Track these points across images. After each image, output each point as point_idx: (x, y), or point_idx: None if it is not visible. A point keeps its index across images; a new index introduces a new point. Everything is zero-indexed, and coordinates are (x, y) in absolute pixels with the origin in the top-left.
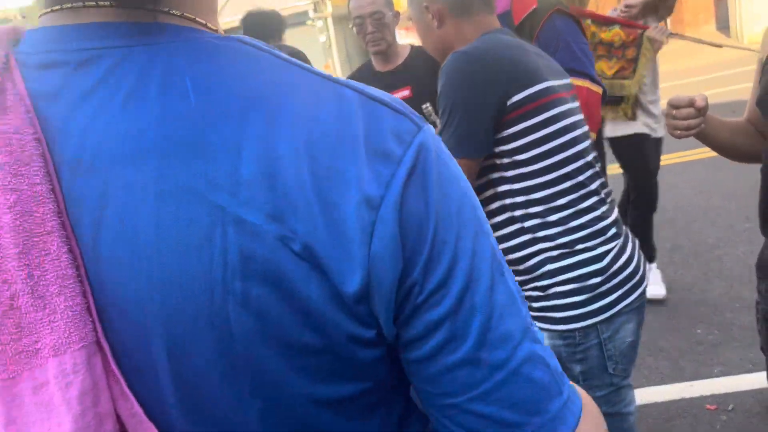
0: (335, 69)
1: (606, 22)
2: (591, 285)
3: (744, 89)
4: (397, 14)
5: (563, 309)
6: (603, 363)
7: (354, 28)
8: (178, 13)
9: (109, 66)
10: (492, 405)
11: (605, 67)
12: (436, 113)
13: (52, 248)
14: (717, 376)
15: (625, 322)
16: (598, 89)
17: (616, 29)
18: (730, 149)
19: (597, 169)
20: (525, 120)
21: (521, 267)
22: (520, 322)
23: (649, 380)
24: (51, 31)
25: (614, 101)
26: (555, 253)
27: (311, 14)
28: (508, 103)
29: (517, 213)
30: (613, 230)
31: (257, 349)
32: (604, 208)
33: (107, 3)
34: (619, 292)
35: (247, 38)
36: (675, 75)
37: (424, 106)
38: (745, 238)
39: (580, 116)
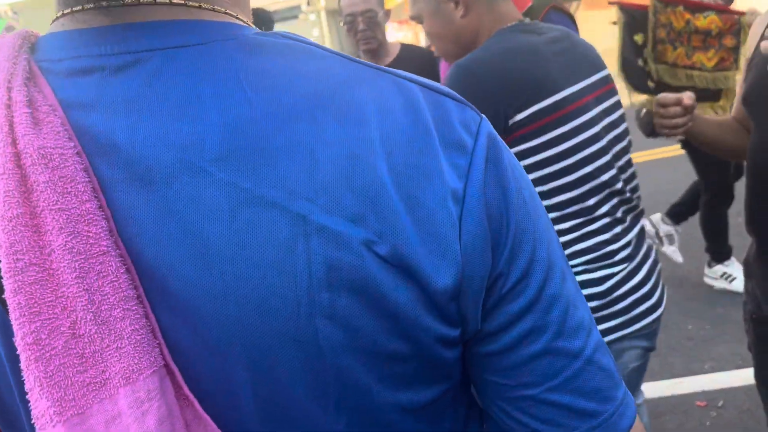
0: None
1: (700, 7)
2: (590, 309)
3: None
4: (387, 12)
5: None
6: None
7: (344, 26)
8: (219, 8)
9: (152, 70)
10: (570, 394)
11: (704, 59)
12: None
13: (110, 269)
14: (707, 372)
15: (629, 348)
16: None
17: (712, 16)
18: (718, 146)
19: (618, 186)
20: (526, 141)
21: None
22: (587, 309)
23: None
24: (76, 34)
25: (711, 96)
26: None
27: (304, 8)
28: (510, 122)
29: None
30: (624, 253)
31: (345, 360)
32: (616, 230)
33: (136, 0)
34: (624, 318)
35: (289, 33)
36: None
37: None
38: (736, 232)
39: (604, 122)
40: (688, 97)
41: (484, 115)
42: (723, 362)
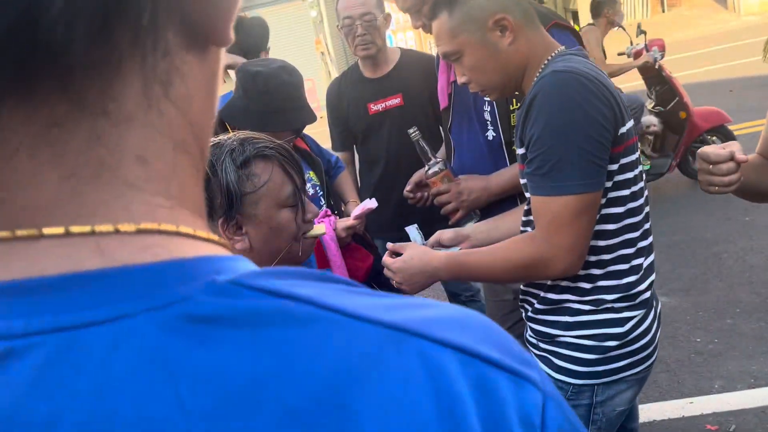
0: (327, 45)
1: None
2: (606, 347)
3: (741, 65)
4: (388, 16)
5: (568, 360)
6: (584, 426)
7: (341, 30)
8: (150, 227)
9: (31, 376)
10: None
11: None
12: (425, 138)
13: None
14: (718, 392)
15: (623, 390)
16: None
17: None
18: (759, 191)
19: (648, 225)
20: (623, 157)
21: (545, 296)
22: None
23: (648, 396)
24: None
25: None
26: (578, 306)
27: None
28: (619, 132)
29: None
30: (643, 297)
31: None
32: (640, 274)
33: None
34: (629, 360)
35: (247, 277)
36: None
37: (410, 131)
38: (744, 233)
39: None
40: (738, 149)
41: (547, 386)
42: (733, 381)
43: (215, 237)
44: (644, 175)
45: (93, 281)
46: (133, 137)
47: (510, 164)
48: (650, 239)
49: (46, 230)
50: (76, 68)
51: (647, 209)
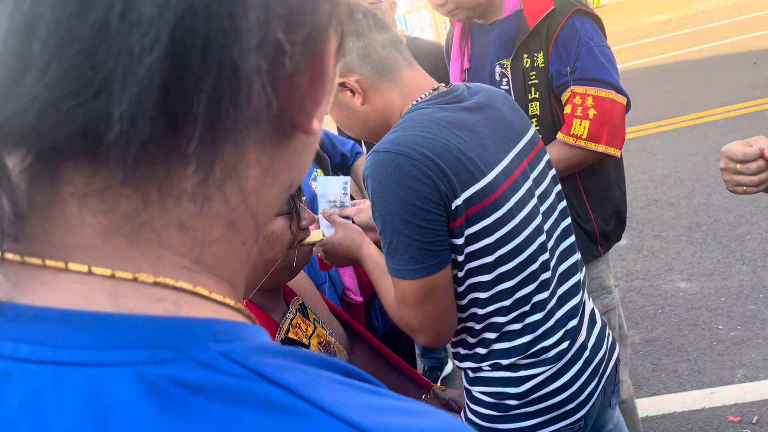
0: None
1: None
2: (506, 405)
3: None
4: (393, 4)
5: (473, 413)
6: None
7: None
8: (169, 282)
9: (24, 396)
10: None
11: None
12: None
13: None
14: (740, 382)
15: None
16: (623, 100)
17: None
18: None
19: (549, 273)
20: (469, 227)
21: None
22: None
23: (667, 387)
24: None
25: None
26: (480, 364)
27: None
28: (453, 206)
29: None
30: (553, 352)
31: None
32: (548, 325)
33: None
34: (542, 419)
35: (242, 353)
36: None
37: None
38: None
39: (536, 196)
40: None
41: None
42: (756, 369)
43: (231, 302)
44: (536, 220)
45: (97, 324)
46: (181, 208)
47: None
48: (564, 285)
49: (72, 266)
50: (138, 158)
51: (543, 257)
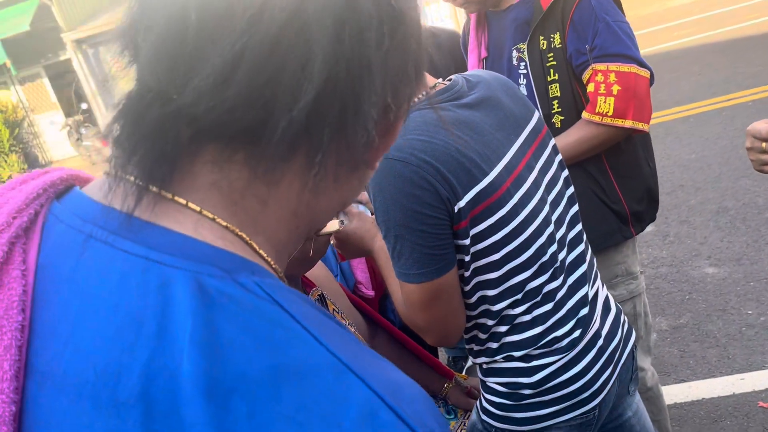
0: None
1: None
2: (520, 395)
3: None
4: None
5: (488, 402)
6: None
7: None
8: (234, 231)
9: (121, 273)
10: None
11: None
12: None
13: None
14: None
15: None
16: (646, 73)
17: None
18: None
19: (558, 263)
20: (473, 227)
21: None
22: None
23: (696, 373)
24: (88, 202)
25: None
26: (493, 357)
27: None
28: (456, 209)
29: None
30: (565, 342)
31: None
32: (559, 315)
33: (156, 190)
34: (556, 408)
35: (270, 286)
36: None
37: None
38: None
39: (542, 187)
40: None
41: None
42: None
43: (271, 261)
44: (543, 212)
45: (178, 240)
46: (270, 193)
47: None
48: (573, 275)
49: (176, 198)
50: (263, 152)
51: (552, 249)
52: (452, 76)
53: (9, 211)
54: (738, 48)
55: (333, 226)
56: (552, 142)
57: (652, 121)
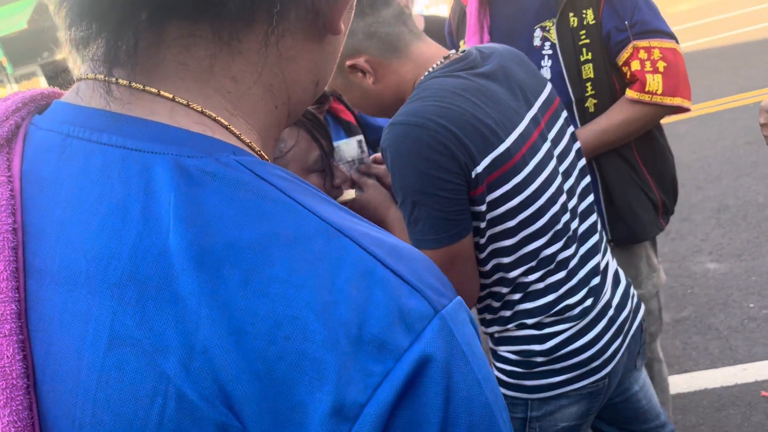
0: None
1: None
2: (532, 362)
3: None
4: None
5: (499, 371)
6: None
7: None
8: (209, 114)
9: (101, 165)
10: None
11: None
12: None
13: (6, 354)
14: None
15: (565, 405)
16: (681, 49)
17: None
18: None
19: (571, 232)
20: (490, 193)
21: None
22: None
23: (698, 364)
24: (67, 107)
25: None
26: (506, 326)
27: None
28: (473, 174)
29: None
30: (577, 310)
31: None
32: (571, 284)
33: (125, 82)
34: (567, 376)
35: (251, 162)
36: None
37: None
38: None
39: (554, 157)
40: None
41: (449, 307)
42: None
43: (256, 147)
44: (556, 180)
45: (154, 128)
46: (237, 64)
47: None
48: (585, 245)
49: (147, 88)
50: (224, 16)
51: (565, 218)
52: (465, 47)
53: None
54: (738, 53)
55: (349, 194)
56: (564, 114)
57: None
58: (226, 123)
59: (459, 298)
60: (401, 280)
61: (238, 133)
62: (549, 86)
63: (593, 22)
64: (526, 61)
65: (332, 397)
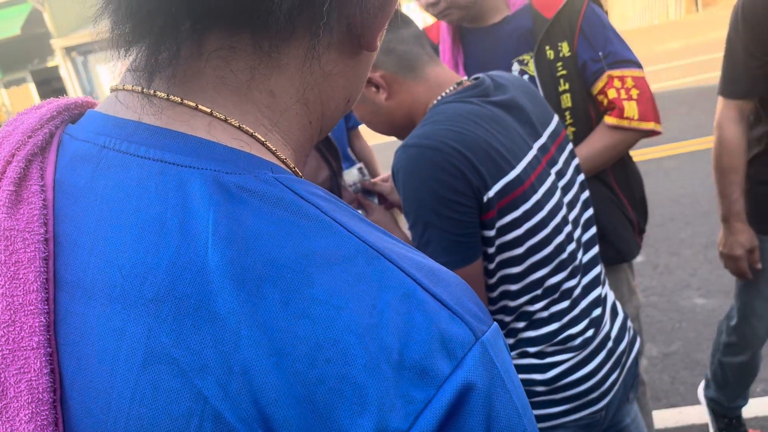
0: None
1: None
2: (532, 392)
3: None
4: None
5: None
6: None
7: None
8: (247, 130)
9: (138, 178)
10: None
11: None
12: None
13: (33, 367)
14: (760, 395)
15: None
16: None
17: None
18: None
19: (577, 261)
20: (500, 219)
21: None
22: None
23: (686, 399)
24: (102, 118)
25: None
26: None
27: None
28: (485, 198)
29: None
30: (579, 340)
31: None
32: (574, 313)
33: (163, 95)
34: (566, 407)
35: (289, 180)
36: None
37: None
38: None
39: (560, 187)
40: None
41: (488, 334)
42: None
43: (291, 163)
44: (561, 212)
45: (192, 142)
46: (276, 78)
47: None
48: (588, 275)
49: (186, 101)
50: (269, 26)
51: (570, 247)
52: (478, 75)
53: (24, 131)
54: None
55: (352, 174)
56: (570, 146)
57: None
58: (263, 139)
59: (495, 324)
60: (441, 305)
61: (274, 149)
62: (556, 118)
63: (569, 54)
64: (536, 92)
65: (374, 424)
